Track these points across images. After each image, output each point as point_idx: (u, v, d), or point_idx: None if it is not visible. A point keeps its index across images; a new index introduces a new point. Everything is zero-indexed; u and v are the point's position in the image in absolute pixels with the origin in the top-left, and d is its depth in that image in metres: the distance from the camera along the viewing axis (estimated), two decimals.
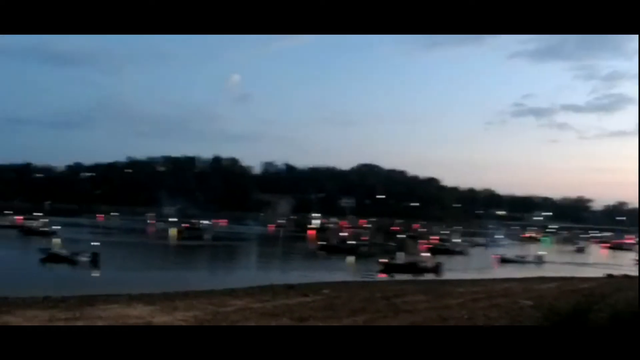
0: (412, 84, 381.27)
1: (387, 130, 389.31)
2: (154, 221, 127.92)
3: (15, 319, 22.40)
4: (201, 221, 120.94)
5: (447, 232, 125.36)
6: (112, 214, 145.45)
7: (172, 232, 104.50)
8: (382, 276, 52.43)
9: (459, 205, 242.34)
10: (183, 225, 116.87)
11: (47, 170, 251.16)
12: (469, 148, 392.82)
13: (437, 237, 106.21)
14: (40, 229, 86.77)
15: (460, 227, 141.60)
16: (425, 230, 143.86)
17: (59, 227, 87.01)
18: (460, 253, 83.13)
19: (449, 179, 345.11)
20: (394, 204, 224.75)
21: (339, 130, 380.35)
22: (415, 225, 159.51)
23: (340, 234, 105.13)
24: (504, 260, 73.76)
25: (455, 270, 61.42)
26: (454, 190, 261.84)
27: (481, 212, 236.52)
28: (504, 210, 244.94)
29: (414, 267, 56.21)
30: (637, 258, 77.49)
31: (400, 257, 59.86)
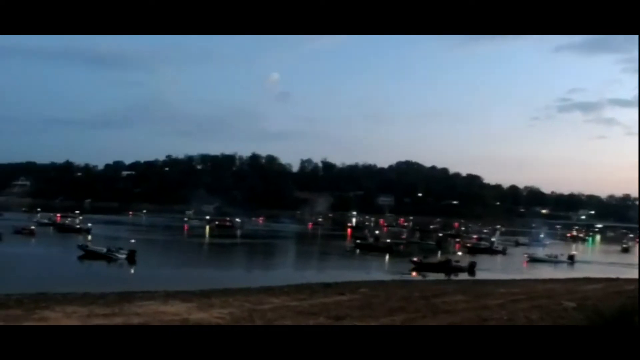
0: (454, 80, 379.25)
1: (428, 127, 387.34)
2: (189, 219, 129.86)
3: (54, 315, 22.90)
4: (236, 219, 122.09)
5: (488, 230, 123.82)
6: (144, 211, 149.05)
7: (208, 229, 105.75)
8: (414, 275, 51.95)
9: (501, 203, 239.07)
10: (218, 222, 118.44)
11: (88, 169, 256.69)
12: (513, 144, 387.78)
13: (477, 236, 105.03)
14: (76, 226, 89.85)
15: (502, 226, 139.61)
16: (465, 228, 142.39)
17: (91, 225, 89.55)
18: (501, 252, 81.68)
19: (491, 177, 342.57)
20: (434, 202, 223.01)
21: (378, 128, 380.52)
22: (455, 224, 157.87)
23: (376, 232, 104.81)
24: (534, 260, 72.15)
25: (494, 270, 60.62)
26: (496, 187, 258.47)
27: (524, 210, 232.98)
28: (548, 209, 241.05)
29: (446, 267, 55.51)
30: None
31: (436, 256, 59.33)
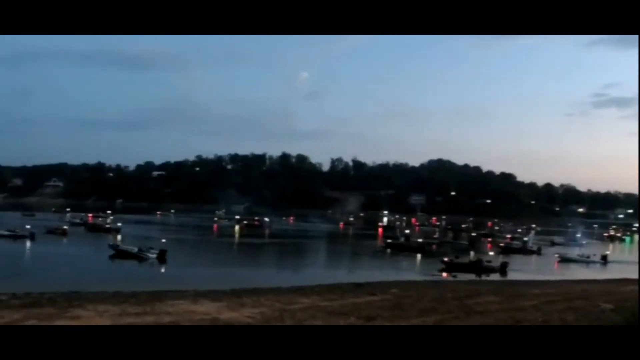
0: (487, 77, 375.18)
1: (460, 125, 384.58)
2: (219, 218, 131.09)
3: (87, 313, 23.29)
4: (265, 219, 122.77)
5: (522, 230, 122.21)
6: (172, 211, 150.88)
7: (237, 229, 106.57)
8: (444, 276, 51.50)
9: (536, 202, 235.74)
10: (247, 222, 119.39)
11: (119, 170, 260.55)
12: (547, 141, 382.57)
13: (511, 236, 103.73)
14: (106, 226, 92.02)
15: (537, 225, 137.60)
16: (498, 228, 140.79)
17: (120, 224, 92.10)
18: (536, 252, 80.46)
19: (525, 175, 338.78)
20: (467, 201, 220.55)
21: (409, 126, 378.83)
22: (489, 223, 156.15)
23: (406, 231, 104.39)
24: (565, 260, 70.85)
25: (526, 270, 59.79)
26: (531, 186, 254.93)
27: (559, 209, 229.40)
28: (584, 207, 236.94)
29: (477, 267, 54.85)
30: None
31: (468, 256, 58.74)
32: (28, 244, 65.23)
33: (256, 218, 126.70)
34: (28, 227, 73.40)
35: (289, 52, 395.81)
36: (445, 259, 57.42)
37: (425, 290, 35.74)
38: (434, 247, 79.45)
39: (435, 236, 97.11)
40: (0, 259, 51.47)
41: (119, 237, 75.16)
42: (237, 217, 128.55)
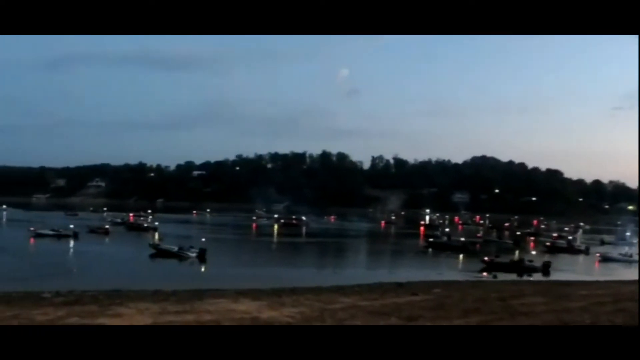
0: (531, 70, 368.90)
1: (504, 121, 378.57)
2: (258, 217, 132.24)
3: (128, 311, 23.76)
4: (303, 217, 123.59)
5: (570, 228, 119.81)
6: (208, 210, 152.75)
7: (276, 228, 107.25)
8: (484, 275, 50.80)
9: (584, 199, 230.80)
10: (284, 221, 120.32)
11: (160, 170, 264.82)
12: (595, 136, 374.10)
13: (557, 234, 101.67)
14: (144, 225, 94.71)
15: (585, 224, 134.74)
16: (545, 226, 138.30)
17: (158, 223, 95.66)
18: (583, 252, 78.56)
19: (572, 171, 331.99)
20: (512, 198, 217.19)
21: (451, 122, 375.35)
22: (535, 222, 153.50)
23: (446, 230, 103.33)
24: (606, 259, 68.89)
25: (571, 270, 58.57)
26: (578, 182, 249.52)
27: (609, 206, 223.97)
28: (635, 205, 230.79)
29: (518, 266, 53.86)
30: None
31: (512, 256, 57.79)
32: (71, 243, 66.96)
33: (294, 217, 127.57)
34: (71, 226, 75.44)
35: (327, 50, 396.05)
36: (485, 258, 56.68)
37: (468, 291, 35.36)
38: (478, 246, 78.39)
39: (478, 235, 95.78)
40: (45, 258, 53.16)
41: (156, 235, 76.63)
42: (276, 216, 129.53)
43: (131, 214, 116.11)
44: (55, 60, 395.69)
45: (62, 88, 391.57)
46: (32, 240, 68.16)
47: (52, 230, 73.26)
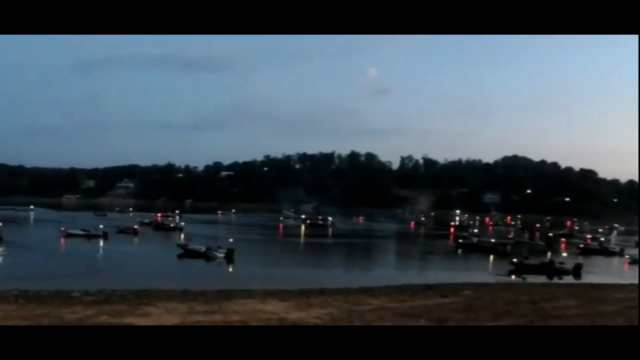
0: (563, 68, 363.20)
1: (536, 120, 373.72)
2: (285, 218, 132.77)
3: (156, 310, 24.04)
4: (329, 218, 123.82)
5: (604, 230, 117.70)
6: (233, 211, 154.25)
7: (303, 228, 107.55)
8: (513, 277, 50.19)
9: (619, 199, 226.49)
10: (310, 221, 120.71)
11: (188, 171, 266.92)
12: (630, 135, 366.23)
13: (591, 236, 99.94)
14: (170, 225, 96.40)
15: (620, 225, 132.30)
16: (578, 228, 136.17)
17: (183, 224, 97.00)
18: (617, 254, 77.04)
19: (606, 171, 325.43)
20: (544, 199, 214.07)
21: (482, 121, 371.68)
22: (568, 223, 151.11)
23: (475, 230, 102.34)
24: (635, 262, 67.41)
25: (604, 273, 57.51)
26: (613, 183, 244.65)
27: None
28: None
29: (548, 269, 53.03)
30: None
31: (544, 258, 56.94)
32: (101, 243, 67.98)
33: (320, 217, 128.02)
34: (101, 226, 76.60)
35: (355, 49, 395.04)
36: (514, 260, 56.05)
37: (499, 293, 35.04)
38: (509, 247, 77.50)
39: (510, 236, 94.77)
40: (75, 258, 54.02)
41: (182, 235, 77.49)
42: (303, 216, 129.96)
43: (159, 215, 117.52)
44: (86, 63, 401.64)
45: (93, 90, 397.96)
46: (62, 240, 69.42)
47: (82, 230, 74.57)
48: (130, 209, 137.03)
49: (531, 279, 48.39)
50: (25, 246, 61.33)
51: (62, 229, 74.52)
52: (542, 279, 48.95)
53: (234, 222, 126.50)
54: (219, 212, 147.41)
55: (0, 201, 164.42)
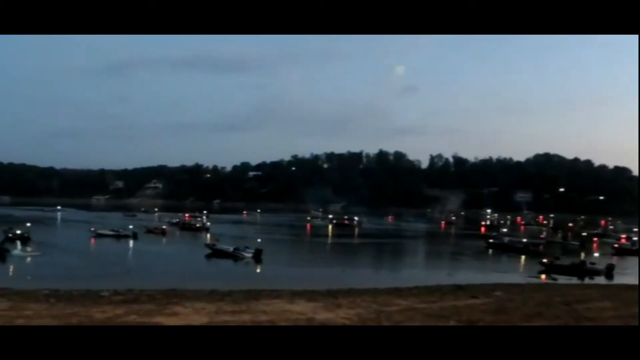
0: (594, 63, 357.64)
1: (568, 116, 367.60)
2: (313, 218, 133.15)
3: (184, 310, 24.30)
4: (355, 218, 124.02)
5: None
6: (258, 211, 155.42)
7: (330, 228, 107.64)
8: (543, 278, 49.47)
9: None
10: (336, 221, 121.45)
11: (216, 171, 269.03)
12: None
13: (626, 235, 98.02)
14: (197, 225, 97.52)
15: None
16: (612, 227, 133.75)
17: (209, 224, 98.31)
18: None
19: None
20: (578, 197, 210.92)
21: (513, 119, 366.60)
22: (602, 222, 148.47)
23: (504, 230, 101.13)
24: None
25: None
26: None
27: None
28: None
29: (579, 269, 52.14)
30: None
31: (577, 258, 55.99)
32: (131, 243, 68.84)
33: (346, 217, 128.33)
34: (130, 227, 77.61)
35: (382, 47, 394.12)
36: (544, 260, 55.33)
37: (531, 294, 34.64)
38: (541, 247, 76.42)
39: (542, 236, 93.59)
40: (105, 258, 54.86)
41: (208, 236, 78.15)
42: (330, 216, 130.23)
43: (187, 215, 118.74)
44: (115, 66, 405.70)
45: (121, 92, 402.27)
46: (92, 240, 70.50)
47: (112, 230, 75.80)
48: (156, 209, 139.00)
49: (562, 279, 47.64)
50: (56, 246, 62.45)
51: (92, 229, 75.90)
52: (573, 280, 48.15)
53: (261, 222, 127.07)
54: (244, 212, 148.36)
55: (30, 202, 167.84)
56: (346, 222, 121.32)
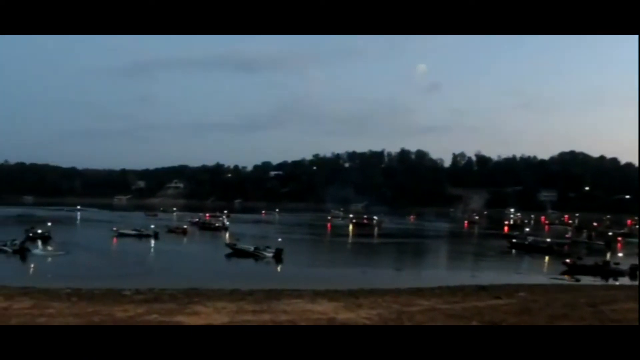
0: (621, 61, 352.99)
1: (594, 114, 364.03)
2: (333, 217, 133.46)
3: (205, 309, 24.46)
4: (374, 217, 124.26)
5: None
6: (277, 210, 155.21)
7: (351, 228, 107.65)
8: (567, 278, 48.91)
9: None
10: (355, 221, 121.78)
11: (237, 171, 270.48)
12: None
13: None
14: (215, 224, 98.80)
15: None
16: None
17: (228, 223, 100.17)
18: None
19: None
20: (604, 196, 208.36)
21: (537, 116, 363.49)
22: (628, 222, 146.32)
23: (526, 229, 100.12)
24: None
25: None
26: None
27: None
28: None
29: (603, 270, 51.44)
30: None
31: (594, 258, 55.23)
32: (152, 242, 69.44)
33: (365, 217, 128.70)
34: (152, 226, 78.38)
35: (404, 45, 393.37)
36: (567, 260, 54.76)
37: (556, 295, 34.31)
38: (566, 247, 75.60)
39: (567, 236, 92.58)
40: (127, 257, 55.45)
41: (227, 235, 78.59)
42: (351, 215, 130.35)
43: (207, 214, 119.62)
44: (137, 66, 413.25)
45: (143, 92, 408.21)
46: (115, 240, 71.26)
47: (134, 230, 76.55)
48: (174, 209, 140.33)
49: (587, 280, 47.11)
50: (79, 246, 63.21)
51: (114, 228, 76.69)
52: (597, 280, 47.58)
53: (281, 221, 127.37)
54: (263, 211, 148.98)
55: (53, 202, 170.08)
56: (365, 221, 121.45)
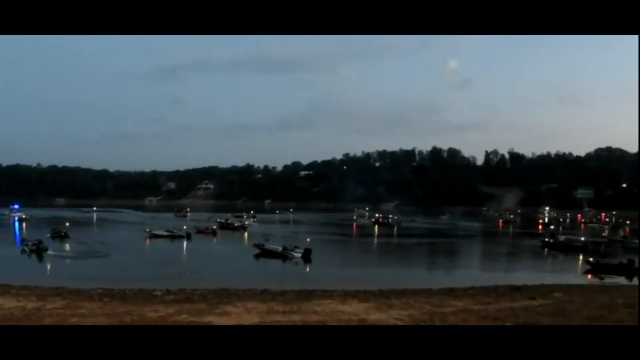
0: None
1: (631, 108, 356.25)
2: (359, 217, 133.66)
3: (236, 310, 24.67)
4: (393, 217, 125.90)
5: None
6: (291, 210, 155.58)
7: (377, 228, 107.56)
8: (590, 278, 48.07)
9: None
10: (374, 220, 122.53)
11: (267, 171, 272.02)
12: None
13: None
14: (235, 224, 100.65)
15: None
16: None
17: (247, 223, 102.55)
18: None
19: None
20: None
21: (571, 112, 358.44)
22: None
23: (559, 228, 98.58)
24: None
25: None
26: None
27: None
28: None
29: (629, 269, 50.37)
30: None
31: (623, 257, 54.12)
32: (184, 243, 70.31)
33: (381, 216, 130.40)
34: (184, 227, 79.40)
35: (435, 41, 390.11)
36: (591, 259, 53.87)
37: (593, 296, 33.72)
38: (603, 247, 74.33)
39: (604, 234, 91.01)
40: (158, 257, 56.43)
41: (245, 234, 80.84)
42: (377, 215, 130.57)
43: (234, 215, 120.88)
44: (167, 68, 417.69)
45: (174, 94, 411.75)
46: (147, 240, 72.33)
47: (167, 231, 77.60)
48: (188, 209, 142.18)
49: (609, 279, 46.26)
50: (109, 245, 64.52)
51: (147, 230, 77.87)
52: (622, 280, 46.61)
53: (310, 221, 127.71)
54: (277, 211, 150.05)
55: (85, 204, 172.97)
56: (382, 220, 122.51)
